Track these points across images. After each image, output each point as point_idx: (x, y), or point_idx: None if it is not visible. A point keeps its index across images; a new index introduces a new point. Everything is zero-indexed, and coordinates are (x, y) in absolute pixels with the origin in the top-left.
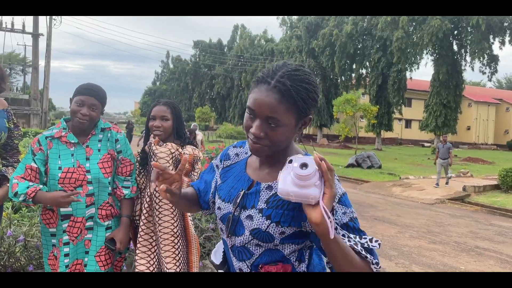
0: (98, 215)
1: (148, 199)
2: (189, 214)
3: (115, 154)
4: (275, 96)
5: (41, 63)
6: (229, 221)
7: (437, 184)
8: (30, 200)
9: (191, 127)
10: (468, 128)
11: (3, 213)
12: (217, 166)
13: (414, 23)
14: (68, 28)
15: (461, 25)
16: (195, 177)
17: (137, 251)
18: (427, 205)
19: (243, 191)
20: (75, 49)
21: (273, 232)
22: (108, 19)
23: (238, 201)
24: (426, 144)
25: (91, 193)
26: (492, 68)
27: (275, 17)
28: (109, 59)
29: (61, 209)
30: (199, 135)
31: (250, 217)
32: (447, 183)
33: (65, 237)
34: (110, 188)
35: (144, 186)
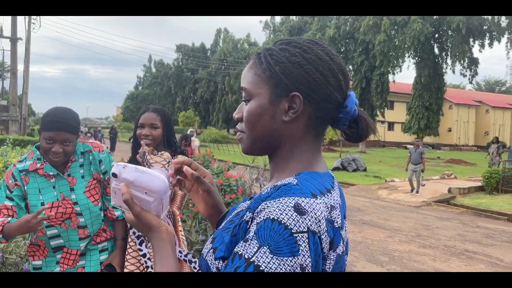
0: (92, 241)
1: None
2: (180, 229)
3: (101, 176)
4: (250, 63)
5: (20, 68)
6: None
7: (412, 190)
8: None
9: (189, 132)
10: (449, 130)
11: None
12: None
13: (396, 27)
14: (47, 32)
15: (442, 28)
16: None
17: (125, 270)
18: (414, 207)
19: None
20: (55, 53)
21: (210, 263)
22: (88, 22)
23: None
24: (409, 146)
25: (83, 225)
26: (473, 70)
27: (258, 20)
28: (89, 63)
29: (51, 243)
30: (196, 141)
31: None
32: (417, 191)
33: (57, 269)
34: (102, 215)
35: None
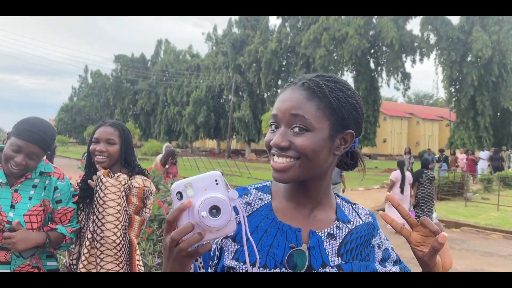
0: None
1: (88, 242)
2: (138, 258)
3: (50, 205)
4: (303, 92)
5: None
6: None
7: None
8: None
9: (164, 147)
10: (384, 141)
11: None
12: (220, 242)
13: (335, 42)
14: None
15: (377, 44)
16: (147, 214)
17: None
18: None
19: (305, 245)
20: None
21: None
22: (19, 30)
23: (298, 261)
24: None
25: (6, 247)
26: (405, 84)
27: (200, 32)
28: (19, 73)
29: None
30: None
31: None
32: None
33: None
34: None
35: (84, 224)
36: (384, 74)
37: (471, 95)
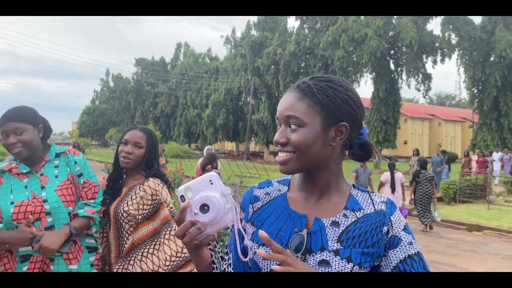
0: (63, 254)
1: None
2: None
3: (76, 178)
4: (296, 94)
5: None
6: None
7: None
8: None
9: (205, 150)
10: (405, 143)
11: None
12: (243, 224)
13: (354, 43)
14: None
15: (396, 45)
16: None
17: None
18: None
19: (306, 230)
20: (4, 67)
21: None
22: (41, 35)
23: (298, 244)
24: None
25: (50, 225)
26: (426, 85)
27: (219, 35)
28: (41, 77)
29: (19, 249)
30: (219, 164)
31: (325, 263)
32: None
33: None
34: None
35: (106, 220)
36: (404, 75)
37: (494, 95)
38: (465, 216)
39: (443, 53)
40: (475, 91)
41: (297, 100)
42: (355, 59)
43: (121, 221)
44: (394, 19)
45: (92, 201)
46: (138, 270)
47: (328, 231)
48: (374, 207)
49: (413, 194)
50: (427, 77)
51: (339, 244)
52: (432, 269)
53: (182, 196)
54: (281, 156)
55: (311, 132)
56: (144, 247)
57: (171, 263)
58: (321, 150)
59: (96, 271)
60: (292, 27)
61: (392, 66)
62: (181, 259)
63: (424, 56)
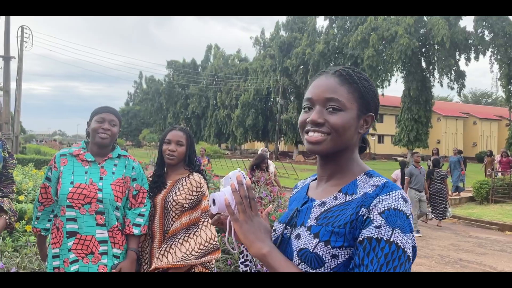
0: (110, 238)
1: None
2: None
3: (130, 181)
4: (336, 79)
5: (12, 86)
6: (278, 241)
7: (417, 231)
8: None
9: (260, 150)
10: (438, 142)
11: None
12: None
13: (383, 42)
14: (37, 49)
15: (428, 42)
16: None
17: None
18: None
19: (296, 208)
20: (43, 70)
21: (322, 254)
22: (77, 39)
23: (290, 219)
24: (399, 159)
25: (101, 211)
26: (460, 83)
27: (248, 36)
28: (78, 80)
29: (67, 226)
30: (271, 166)
31: (298, 236)
32: (418, 230)
33: (72, 256)
34: (118, 215)
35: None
36: (436, 73)
37: None
38: (497, 216)
39: (476, 50)
40: (511, 88)
41: (339, 84)
42: (385, 57)
43: (169, 209)
44: (425, 16)
45: (143, 214)
46: (178, 252)
47: (313, 210)
48: (364, 189)
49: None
50: (460, 75)
51: (315, 221)
52: (459, 267)
53: (218, 188)
54: (315, 135)
55: (350, 117)
56: (185, 232)
57: (204, 248)
58: (352, 136)
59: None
60: (321, 26)
61: (423, 64)
62: (211, 245)
63: (456, 53)
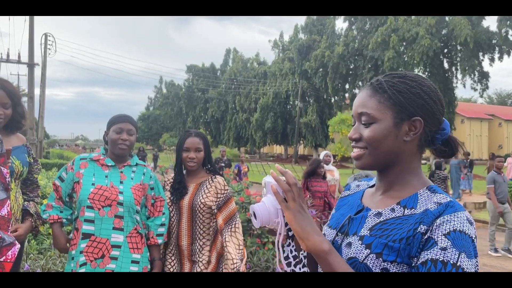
0: (128, 243)
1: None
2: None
3: (147, 188)
4: (367, 91)
5: (36, 92)
6: None
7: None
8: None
9: (322, 156)
10: (462, 144)
11: None
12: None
13: (404, 43)
14: (59, 56)
15: (450, 43)
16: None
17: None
18: None
19: (349, 216)
20: (66, 76)
21: (372, 266)
22: (98, 45)
23: (342, 227)
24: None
25: (120, 215)
26: (483, 84)
27: (266, 40)
28: (100, 86)
29: (84, 227)
30: (335, 172)
31: (349, 245)
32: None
33: (82, 258)
34: (138, 218)
35: (173, 220)
36: (459, 74)
37: None
38: None
39: (501, 50)
40: None
41: (369, 97)
42: (405, 59)
43: (197, 212)
44: (447, 16)
45: (163, 224)
46: (226, 252)
47: (368, 220)
48: (426, 205)
49: None
50: (484, 76)
51: (368, 231)
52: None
53: (265, 188)
54: (355, 151)
55: (382, 128)
56: (224, 233)
57: (240, 251)
58: (394, 145)
59: (149, 264)
60: (340, 29)
61: (445, 65)
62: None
63: (480, 54)
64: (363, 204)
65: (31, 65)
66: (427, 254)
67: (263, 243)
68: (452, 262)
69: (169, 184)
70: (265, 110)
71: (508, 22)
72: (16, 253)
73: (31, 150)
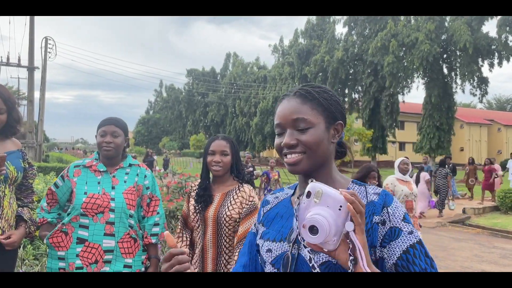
0: (120, 249)
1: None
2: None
3: (142, 188)
4: (297, 100)
5: (36, 95)
6: (287, 261)
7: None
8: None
9: (398, 164)
10: (462, 149)
11: None
12: (256, 226)
13: (404, 48)
14: (60, 59)
15: (449, 48)
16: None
17: None
18: (429, 228)
19: (295, 226)
20: (66, 80)
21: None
22: (100, 49)
23: (293, 237)
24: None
25: (111, 221)
26: (483, 90)
27: (266, 44)
28: (100, 89)
29: (78, 232)
30: (413, 186)
31: (313, 251)
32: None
33: (78, 262)
34: (132, 222)
35: (199, 226)
36: (458, 80)
37: None
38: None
39: (500, 55)
40: None
41: (301, 104)
42: (405, 64)
43: (223, 225)
44: (447, 22)
45: (158, 224)
46: None
47: None
48: (367, 198)
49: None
50: (483, 81)
51: None
52: None
53: (309, 192)
54: (293, 157)
55: (319, 132)
56: (236, 249)
57: None
58: (327, 148)
59: (143, 267)
60: (340, 33)
61: (445, 71)
62: None
63: (479, 59)
64: None
65: (31, 69)
66: (403, 243)
67: None
68: (418, 240)
69: (195, 191)
70: (265, 114)
71: (508, 27)
72: None
73: (26, 155)
